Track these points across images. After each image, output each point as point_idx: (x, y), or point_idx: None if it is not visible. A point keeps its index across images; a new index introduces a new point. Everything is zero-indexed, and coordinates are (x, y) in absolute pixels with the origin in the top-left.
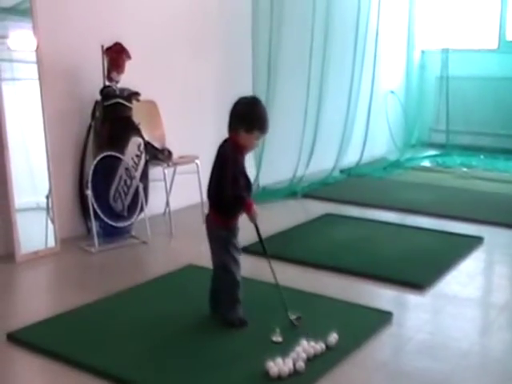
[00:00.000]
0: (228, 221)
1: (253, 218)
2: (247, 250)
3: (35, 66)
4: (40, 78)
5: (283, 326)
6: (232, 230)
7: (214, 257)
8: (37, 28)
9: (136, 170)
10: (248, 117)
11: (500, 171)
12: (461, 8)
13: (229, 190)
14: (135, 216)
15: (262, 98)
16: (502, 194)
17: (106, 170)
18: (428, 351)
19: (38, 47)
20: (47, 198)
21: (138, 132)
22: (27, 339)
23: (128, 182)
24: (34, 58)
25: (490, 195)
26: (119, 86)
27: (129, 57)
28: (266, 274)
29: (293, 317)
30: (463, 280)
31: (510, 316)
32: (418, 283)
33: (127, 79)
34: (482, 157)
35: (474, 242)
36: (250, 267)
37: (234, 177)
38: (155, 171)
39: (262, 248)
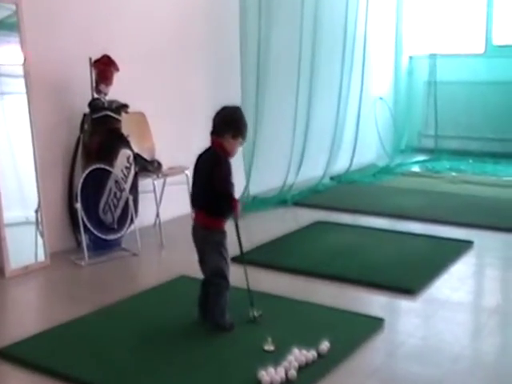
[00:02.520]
0: (221, 222)
1: (237, 216)
2: (238, 259)
3: (23, 80)
4: (28, 92)
5: (275, 335)
6: (224, 233)
7: (209, 261)
8: (24, 42)
9: (125, 182)
10: (235, 123)
11: (488, 175)
12: (447, 13)
13: (222, 187)
14: (125, 228)
15: (251, 106)
16: (491, 198)
17: (96, 183)
18: (420, 356)
19: (25, 61)
20: (36, 212)
21: (127, 144)
22: (18, 355)
23: (118, 194)
24: (21, 71)
25: (479, 199)
26: (108, 98)
27: (117, 69)
28: (256, 283)
29: (255, 313)
30: (454, 284)
31: (501, 320)
32: (409, 288)
33: (116, 91)
34: (470, 161)
35: (464, 246)
36: (240, 277)
37: (226, 175)
38: (145, 183)
39: (239, 247)
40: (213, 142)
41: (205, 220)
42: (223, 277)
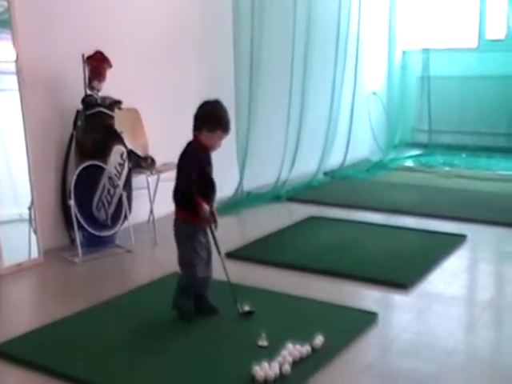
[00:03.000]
0: (194, 216)
1: (203, 217)
2: (232, 255)
3: (15, 77)
4: (20, 89)
5: (269, 330)
6: (198, 227)
7: (178, 252)
8: (16, 39)
9: (119, 178)
10: (211, 117)
11: (482, 169)
12: (440, 8)
13: (179, 184)
14: (119, 225)
15: (245, 102)
16: (485, 192)
17: (89, 180)
18: (414, 351)
19: (17, 58)
20: (29, 209)
21: (120, 140)
22: (11, 352)
23: (111, 190)
24: (13, 68)
25: (473, 193)
26: (101, 94)
27: (110, 65)
28: (250, 279)
29: (242, 309)
30: (447, 278)
31: (495, 313)
32: (403, 283)
33: (109, 88)
34: (463, 155)
35: (458, 240)
36: (235, 273)
37: (186, 172)
38: (138, 179)
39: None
40: (193, 136)
41: (177, 213)
42: (191, 268)
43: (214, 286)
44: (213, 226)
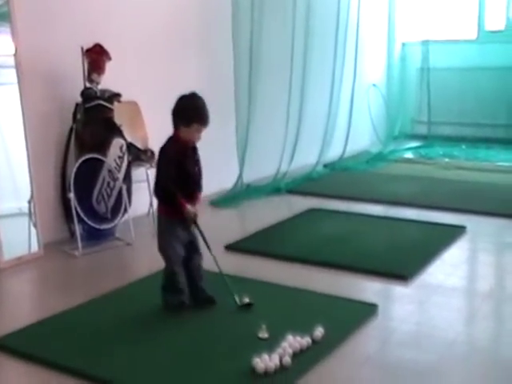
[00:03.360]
0: (172, 211)
1: (188, 218)
2: (232, 247)
3: (14, 71)
4: (19, 83)
5: (270, 322)
6: (174, 219)
7: (158, 245)
8: (15, 32)
9: (119, 171)
10: (185, 111)
11: (481, 161)
12: (440, 0)
13: (162, 181)
14: (119, 218)
15: (245, 95)
16: (484, 183)
17: (89, 173)
18: (414, 342)
19: (16, 51)
20: (29, 202)
21: (120, 133)
22: (12, 345)
23: (111, 183)
24: (12, 62)
25: (472, 185)
26: (100, 87)
27: (109, 58)
28: (250, 271)
29: (244, 301)
30: (447, 270)
31: (494, 304)
32: (403, 274)
33: (108, 81)
34: (463, 147)
35: (457, 231)
36: (235, 265)
37: (166, 169)
38: (138, 172)
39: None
40: (173, 132)
41: (158, 207)
42: (167, 260)
43: (212, 278)
44: (198, 224)
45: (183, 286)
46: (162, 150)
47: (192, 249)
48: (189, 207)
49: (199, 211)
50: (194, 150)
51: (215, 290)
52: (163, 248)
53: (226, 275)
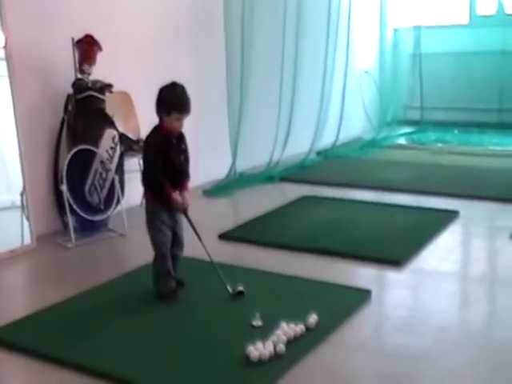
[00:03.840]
0: (154, 195)
1: (176, 207)
2: (225, 236)
3: (4, 63)
4: (10, 74)
5: (263, 310)
6: (159, 204)
7: (147, 230)
8: (5, 24)
9: (111, 162)
10: (164, 101)
11: (474, 145)
12: None
13: (149, 172)
14: (112, 209)
15: (237, 83)
16: (476, 168)
17: (81, 164)
18: (407, 327)
19: (6, 43)
20: (21, 195)
21: (111, 124)
22: (5, 338)
23: (103, 174)
24: (2, 54)
25: (465, 169)
26: (91, 78)
27: (100, 49)
28: (244, 259)
29: (239, 289)
30: (440, 254)
31: (487, 288)
32: (396, 260)
33: (99, 71)
34: (456, 132)
35: (450, 216)
36: (228, 254)
37: (152, 159)
38: (130, 163)
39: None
40: (158, 123)
41: (144, 193)
42: (155, 245)
43: (205, 267)
44: (188, 215)
45: (172, 272)
46: (147, 139)
47: (175, 240)
48: (176, 196)
49: (189, 200)
50: (180, 138)
51: (207, 279)
52: (151, 234)
53: (219, 264)
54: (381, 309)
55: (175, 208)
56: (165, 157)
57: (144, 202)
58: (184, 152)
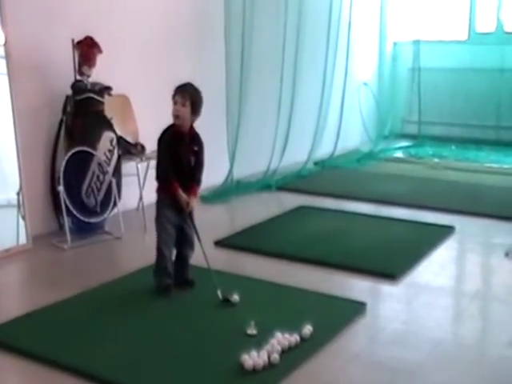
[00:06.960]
0: (161, 190)
1: (179, 200)
2: (221, 243)
3: (4, 62)
4: (9, 74)
5: (258, 319)
6: (166, 201)
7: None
8: (5, 22)
9: (109, 164)
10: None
11: (470, 161)
12: (431, 0)
13: (161, 170)
14: (108, 211)
15: (236, 91)
16: (473, 184)
17: (78, 166)
18: (401, 340)
19: (6, 42)
20: (18, 194)
21: (110, 127)
22: (0, 338)
23: (101, 177)
24: (2, 52)
25: (461, 185)
26: (90, 80)
27: (100, 51)
28: (239, 267)
29: (228, 297)
30: (435, 269)
31: (481, 304)
32: (391, 273)
33: (99, 74)
34: (453, 147)
35: (446, 231)
36: (224, 261)
37: (163, 157)
38: (128, 166)
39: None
40: None
41: (156, 188)
42: (158, 241)
43: (201, 272)
44: (193, 217)
45: (170, 269)
46: (160, 136)
47: (184, 240)
48: (181, 192)
49: (196, 206)
50: (194, 139)
51: (203, 285)
52: (156, 229)
53: (215, 270)
54: (375, 321)
55: (180, 204)
56: (174, 153)
57: (157, 195)
58: (196, 154)
